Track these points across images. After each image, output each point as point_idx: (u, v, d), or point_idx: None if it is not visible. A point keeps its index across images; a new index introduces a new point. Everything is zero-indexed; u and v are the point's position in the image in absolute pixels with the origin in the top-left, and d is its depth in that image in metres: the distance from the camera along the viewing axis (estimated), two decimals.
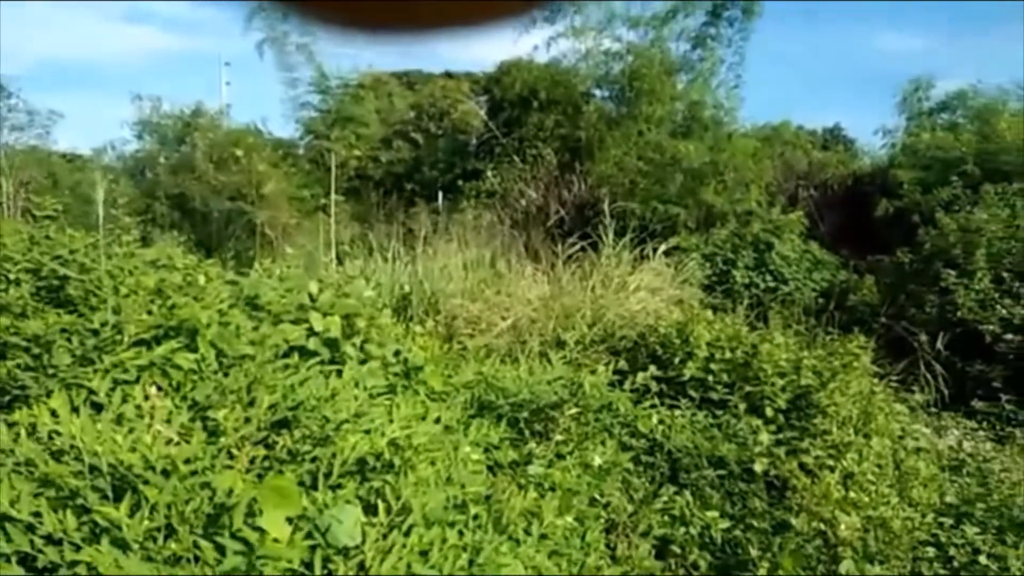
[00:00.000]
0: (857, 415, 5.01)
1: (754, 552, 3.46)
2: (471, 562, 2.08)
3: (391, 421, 2.40)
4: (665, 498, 3.98)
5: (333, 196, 11.20)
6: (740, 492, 4.53)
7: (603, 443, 3.77)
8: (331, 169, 11.83)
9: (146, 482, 1.95)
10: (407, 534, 1.96)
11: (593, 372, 4.19)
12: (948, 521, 4.27)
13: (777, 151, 12.50)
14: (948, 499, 4.72)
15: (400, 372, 3.56)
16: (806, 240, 9.93)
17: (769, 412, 5.06)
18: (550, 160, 13.77)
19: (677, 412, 4.94)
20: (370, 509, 2.00)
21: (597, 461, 3.69)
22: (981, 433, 6.50)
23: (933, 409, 6.68)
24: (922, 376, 7.19)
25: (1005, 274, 7.31)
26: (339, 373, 2.92)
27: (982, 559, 4.01)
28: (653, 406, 4.75)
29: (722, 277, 9.39)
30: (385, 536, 1.91)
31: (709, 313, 6.41)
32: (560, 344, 6.22)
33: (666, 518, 3.93)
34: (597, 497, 3.70)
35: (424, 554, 1.97)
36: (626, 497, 3.80)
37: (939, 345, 7.11)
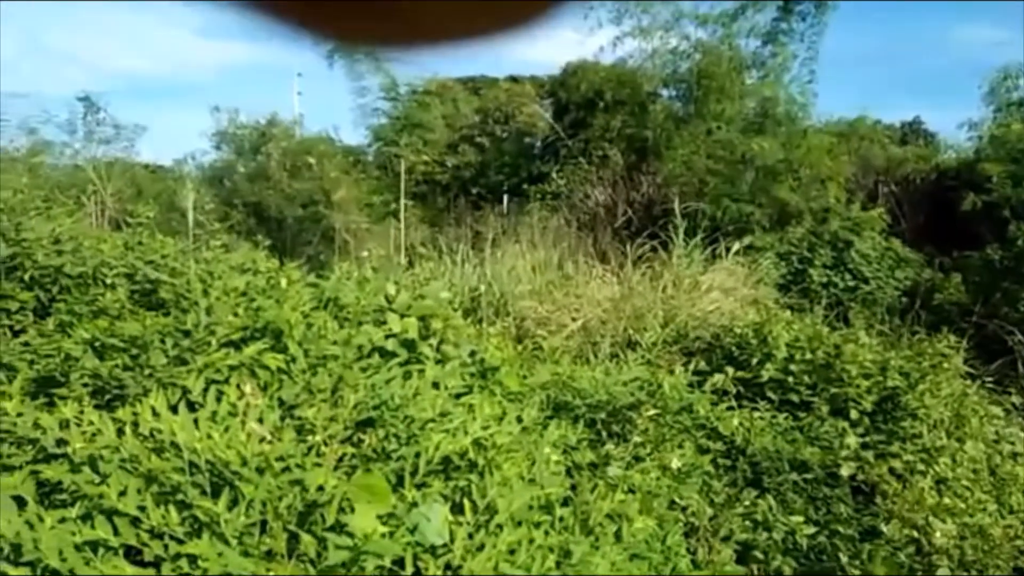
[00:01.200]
0: (949, 418, 4.78)
1: (844, 558, 3.33)
2: (558, 563, 2.07)
3: (474, 420, 2.41)
4: (747, 502, 3.88)
5: (403, 200, 11.39)
6: (824, 497, 4.38)
7: (681, 445, 3.70)
8: (400, 174, 12.04)
9: (242, 478, 2.01)
10: (495, 534, 1.96)
11: (671, 373, 4.12)
12: None
13: (854, 146, 12.07)
14: None
15: (476, 372, 3.58)
16: (887, 237, 9.54)
17: (854, 414, 4.88)
18: (616, 161, 13.67)
19: (756, 414, 4.82)
20: (456, 508, 2.01)
21: (676, 464, 3.62)
22: None
23: None
24: (1019, 377, 6.81)
25: None
26: (420, 373, 2.95)
27: None
28: (731, 408, 4.64)
29: (798, 276, 9.12)
30: (472, 535, 1.92)
31: (787, 313, 6.24)
32: (632, 345, 6.16)
33: (748, 523, 3.83)
34: (676, 500, 3.64)
35: (512, 554, 1.96)
36: (706, 501, 3.72)
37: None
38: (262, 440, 2.19)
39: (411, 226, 11.48)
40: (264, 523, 2.03)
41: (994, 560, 3.51)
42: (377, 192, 13.19)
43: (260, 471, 2.08)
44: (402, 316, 3.82)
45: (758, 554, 3.76)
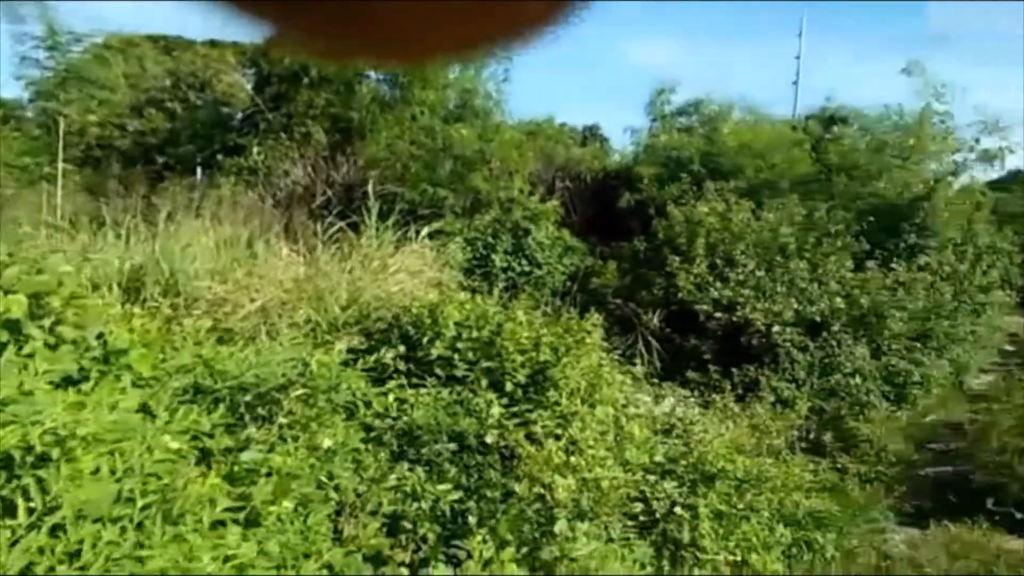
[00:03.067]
0: (585, 387, 5.43)
1: (472, 520, 3.61)
2: (140, 558, 1.93)
3: (57, 409, 2.16)
4: (398, 475, 4.03)
5: (60, 164, 9.91)
6: (477, 464, 4.72)
7: (332, 424, 3.71)
8: (60, 135, 10.47)
9: None
10: (53, 534, 1.77)
11: (328, 353, 4.12)
12: (654, 478, 4.78)
13: (540, 144, 13.18)
14: (657, 458, 5.28)
15: (99, 356, 3.23)
16: (559, 228, 10.58)
17: (509, 387, 5.33)
18: (319, 140, 13.34)
19: (423, 390, 5.03)
20: (8, 510, 1.78)
21: (326, 443, 3.63)
22: (692, 400, 7.37)
23: (655, 380, 7.45)
24: (648, 350, 8.00)
25: (718, 260, 8.35)
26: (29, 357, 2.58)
27: (677, 509, 4.55)
28: (402, 386, 4.79)
29: (482, 261, 9.72)
30: (20, 538, 1.71)
31: (462, 294, 6.60)
32: (313, 326, 6.06)
33: (398, 495, 3.97)
34: (326, 480, 3.64)
35: (76, 554, 1.79)
36: (356, 478, 3.79)
37: (655, 321, 7.96)
38: None
39: (71, 194, 10.03)
40: None
41: (603, 508, 4.07)
42: (31, 153, 11.32)
43: None
44: (7, 293, 3.32)
45: (406, 524, 3.93)
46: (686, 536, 4.40)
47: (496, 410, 4.52)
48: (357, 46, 0.35)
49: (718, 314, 8.01)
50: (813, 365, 7.82)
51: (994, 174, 13.44)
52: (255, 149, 13.39)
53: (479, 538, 3.39)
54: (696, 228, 8.57)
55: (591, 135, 17.18)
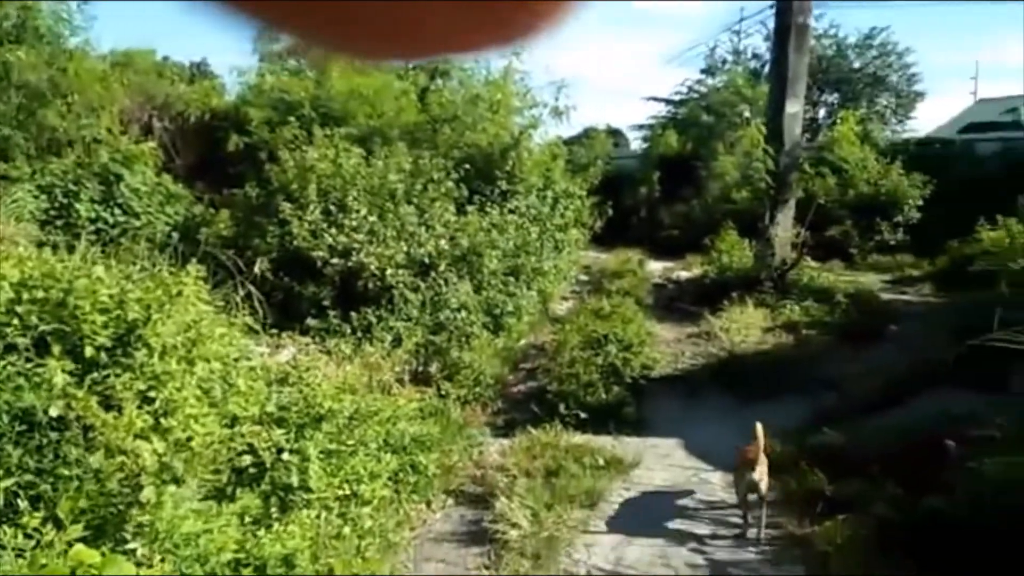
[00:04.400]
0: (183, 343, 5.05)
1: (23, 503, 3.14)
2: None
3: None
4: None
5: None
6: (52, 443, 4.10)
7: None
8: None
9: None
10: None
11: None
12: (260, 428, 4.68)
13: (134, 79, 11.64)
14: (268, 409, 5.18)
15: None
16: (160, 173, 9.57)
17: (89, 352, 4.69)
18: None
19: None
20: None
21: None
22: (313, 347, 7.38)
23: (274, 330, 7.27)
24: (268, 301, 7.76)
25: (332, 207, 8.37)
26: None
27: (285, 455, 4.53)
28: None
29: (63, 211, 8.35)
30: None
31: (21, 250, 5.58)
32: None
33: None
34: None
35: None
36: None
37: (270, 271, 7.77)
38: None
39: None
40: None
41: (194, 467, 3.86)
42: None
43: None
44: None
45: None
46: (295, 480, 4.42)
47: (59, 379, 3.94)
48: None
49: (335, 260, 8.07)
50: (425, 303, 8.37)
51: (569, 131, 15.79)
52: None
53: (35, 521, 2.96)
54: (308, 174, 8.45)
55: (199, 72, 15.73)
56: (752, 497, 4.90)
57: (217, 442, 4.15)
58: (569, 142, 14.27)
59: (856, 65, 26.35)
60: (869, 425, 6.40)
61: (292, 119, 9.76)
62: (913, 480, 5.18)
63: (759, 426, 4.95)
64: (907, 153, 14.14)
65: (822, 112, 26.44)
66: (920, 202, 13.26)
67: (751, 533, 4.91)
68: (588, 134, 17.88)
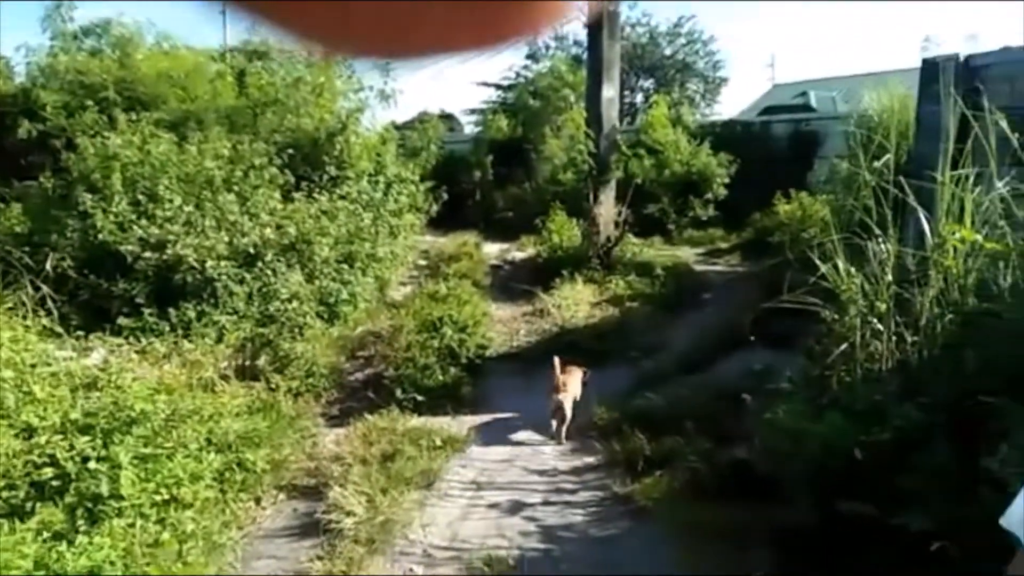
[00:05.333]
0: None
1: None
2: None
3: None
4: None
5: None
6: None
7: None
8: None
9: None
10: None
11: None
12: (60, 437, 4.32)
13: None
14: (73, 416, 4.78)
15: None
16: None
17: None
18: None
19: None
20: None
21: None
22: (127, 348, 6.87)
23: (80, 332, 6.70)
24: (71, 301, 7.12)
25: (141, 197, 7.79)
26: None
27: (92, 464, 4.22)
28: None
29: None
30: None
31: None
32: None
33: None
34: None
35: None
36: None
37: (71, 268, 7.14)
38: None
39: None
40: None
41: None
42: None
43: None
44: None
45: None
46: (105, 489, 4.13)
47: None
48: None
49: (147, 254, 7.52)
50: (252, 295, 8.03)
51: (403, 116, 15.64)
52: None
53: None
54: (111, 162, 7.80)
55: None
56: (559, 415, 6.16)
57: (10, 455, 3.78)
58: (402, 127, 14.16)
59: (667, 52, 28.24)
60: (685, 386, 6.94)
61: (92, 103, 8.95)
62: (719, 433, 5.75)
63: (556, 359, 6.35)
64: (714, 135, 15.29)
65: (639, 97, 28.14)
66: (727, 180, 14.41)
67: (558, 441, 6.18)
68: (422, 119, 17.81)
